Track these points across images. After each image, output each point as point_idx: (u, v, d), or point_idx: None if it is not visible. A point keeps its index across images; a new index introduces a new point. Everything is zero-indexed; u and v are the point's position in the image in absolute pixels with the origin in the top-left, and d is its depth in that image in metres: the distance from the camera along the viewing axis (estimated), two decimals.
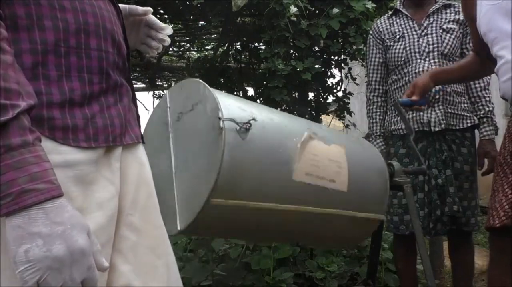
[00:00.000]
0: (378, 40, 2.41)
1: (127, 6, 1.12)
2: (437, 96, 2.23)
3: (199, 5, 2.88)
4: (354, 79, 3.59)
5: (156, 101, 9.47)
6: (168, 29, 1.18)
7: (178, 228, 1.34)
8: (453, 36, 2.27)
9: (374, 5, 2.75)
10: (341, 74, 3.57)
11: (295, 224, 1.60)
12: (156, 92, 8.79)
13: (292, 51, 2.93)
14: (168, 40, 1.18)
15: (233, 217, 1.41)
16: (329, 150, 1.63)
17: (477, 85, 2.29)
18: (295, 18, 2.62)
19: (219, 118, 1.30)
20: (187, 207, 1.34)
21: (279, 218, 1.52)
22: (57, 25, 0.80)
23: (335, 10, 2.70)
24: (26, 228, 0.68)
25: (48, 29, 0.79)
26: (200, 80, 1.43)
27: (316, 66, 2.81)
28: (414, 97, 1.99)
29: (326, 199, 1.62)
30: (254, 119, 1.35)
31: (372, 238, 2.18)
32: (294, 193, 1.53)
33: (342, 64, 3.39)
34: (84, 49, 0.84)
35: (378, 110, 2.44)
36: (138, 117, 1.03)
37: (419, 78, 2.04)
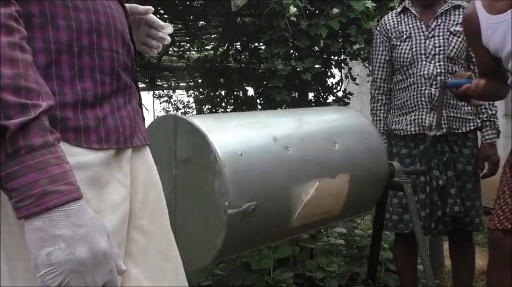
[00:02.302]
0: (384, 38, 2.39)
1: (127, 4, 1.11)
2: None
3: (199, 5, 2.88)
4: (354, 79, 3.58)
5: (156, 101, 9.48)
6: (169, 27, 1.16)
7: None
8: (460, 39, 2.25)
9: (374, 5, 2.74)
10: (341, 74, 3.56)
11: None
12: (156, 92, 8.78)
13: (292, 51, 2.92)
14: (168, 39, 1.17)
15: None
16: (333, 184, 1.60)
17: None
18: (294, 18, 2.61)
19: (225, 205, 1.28)
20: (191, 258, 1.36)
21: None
22: (70, 25, 0.80)
23: (335, 10, 2.69)
24: (48, 230, 0.66)
25: (61, 29, 0.79)
26: (210, 140, 1.30)
27: (316, 66, 2.81)
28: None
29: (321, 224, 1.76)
30: (254, 205, 1.32)
31: (372, 238, 2.18)
32: (290, 232, 1.61)
33: (342, 64, 3.38)
34: (96, 49, 0.84)
35: (382, 108, 2.44)
36: (143, 118, 1.02)
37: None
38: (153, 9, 1.14)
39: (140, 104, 1.01)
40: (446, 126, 2.23)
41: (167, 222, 1.01)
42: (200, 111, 4.38)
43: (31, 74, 0.69)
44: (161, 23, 1.16)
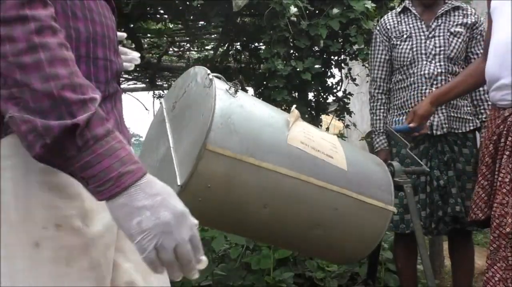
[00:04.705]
0: (384, 37, 2.40)
1: None
2: None
3: (199, 5, 2.88)
4: (354, 79, 3.59)
5: (156, 101, 9.48)
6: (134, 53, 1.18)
7: (179, 183, 1.29)
8: (460, 40, 2.27)
9: (374, 5, 2.75)
10: (341, 74, 3.57)
11: (301, 204, 1.51)
12: (156, 92, 8.78)
13: (292, 51, 2.93)
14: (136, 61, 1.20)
15: (232, 180, 1.37)
16: (321, 132, 1.66)
17: (481, 88, 2.29)
18: (295, 18, 2.62)
19: (208, 75, 1.38)
20: (186, 161, 1.32)
21: (282, 190, 1.45)
22: (70, 34, 0.81)
23: (335, 10, 2.70)
24: (131, 204, 0.74)
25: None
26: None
27: (316, 66, 2.81)
28: (412, 124, 2.10)
29: (327, 173, 1.53)
30: (241, 81, 1.40)
31: None
32: (292, 158, 1.46)
33: (342, 64, 3.39)
34: (92, 58, 0.85)
35: (382, 107, 2.44)
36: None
37: (419, 107, 2.10)
38: (125, 35, 1.18)
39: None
40: (446, 126, 2.24)
41: None
42: None
43: (79, 71, 0.74)
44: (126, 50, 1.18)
